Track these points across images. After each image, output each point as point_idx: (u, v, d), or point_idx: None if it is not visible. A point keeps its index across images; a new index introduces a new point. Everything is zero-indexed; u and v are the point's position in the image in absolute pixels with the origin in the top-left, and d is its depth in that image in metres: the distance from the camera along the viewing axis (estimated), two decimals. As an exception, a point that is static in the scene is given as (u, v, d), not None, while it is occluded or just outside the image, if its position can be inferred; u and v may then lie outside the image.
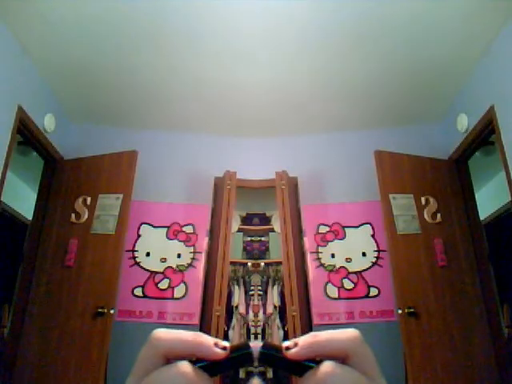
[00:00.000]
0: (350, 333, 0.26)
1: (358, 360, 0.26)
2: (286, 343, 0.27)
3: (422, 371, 2.44)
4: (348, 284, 3.04)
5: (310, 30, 2.44)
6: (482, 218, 3.13)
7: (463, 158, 3.08)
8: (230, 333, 3.23)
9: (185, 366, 0.25)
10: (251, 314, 3.33)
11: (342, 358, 0.26)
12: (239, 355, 0.27)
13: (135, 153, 3.01)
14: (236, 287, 3.43)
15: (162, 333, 0.27)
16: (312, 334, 0.27)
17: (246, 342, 0.28)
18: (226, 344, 0.27)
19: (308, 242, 3.19)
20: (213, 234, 3.19)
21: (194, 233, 3.22)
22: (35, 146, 2.92)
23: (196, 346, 0.26)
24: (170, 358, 0.26)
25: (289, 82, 2.93)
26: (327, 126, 3.47)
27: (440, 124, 3.37)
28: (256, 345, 0.27)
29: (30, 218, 3.07)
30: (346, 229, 3.22)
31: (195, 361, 0.26)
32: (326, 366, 0.25)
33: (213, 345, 0.26)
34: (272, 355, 0.27)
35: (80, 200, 2.95)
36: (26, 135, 2.74)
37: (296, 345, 0.26)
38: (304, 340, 0.26)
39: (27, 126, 2.65)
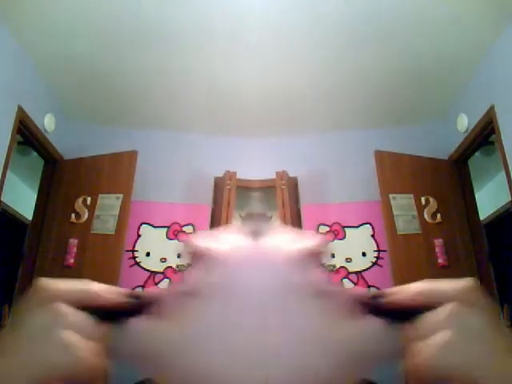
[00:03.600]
0: (467, 280, 0.25)
1: (475, 304, 0.24)
2: (393, 289, 0.27)
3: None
4: (348, 284, 3.04)
5: (310, 31, 2.44)
6: (482, 218, 3.13)
7: (463, 158, 3.08)
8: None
9: (60, 305, 0.24)
10: (251, 314, 3.33)
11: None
12: (130, 303, 0.26)
13: (135, 153, 3.01)
14: (236, 287, 3.43)
15: (45, 279, 0.25)
16: (424, 281, 0.27)
17: (137, 292, 0.27)
18: (119, 290, 0.27)
19: (308, 242, 3.19)
20: (213, 234, 3.19)
21: (194, 233, 3.22)
22: (35, 146, 2.92)
23: (82, 291, 0.25)
24: None
25: (289, 83, 2.92)
26: (327, 126, 3.47)
27: (440, 124, 3.37)
28: None
29: (30, 218, 3.07)
30: (346, 229, 3.22)
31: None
32: (449, 306, 0.24)
33: (101, 290, 0.26)
34: (377, 302, 0.27)
35: (80, 200, 2.95)
36: (26, 135, 2.74)
37: (404, 290, 0.27)
38: (415, 286, 0.27)
39: (27, 126, 2.65)
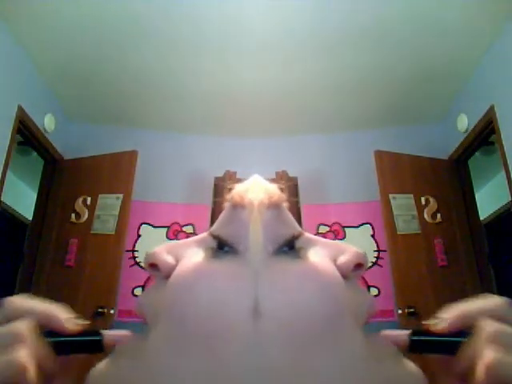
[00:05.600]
0: (497, 298, 0.25)
1: None
2: (432, 321, 0.26)
3: (422, 371, 2.44)
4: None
5: (310, 31, 2.44)
6: (482, 218, 3.13)
7: (463, 158, 3.08)
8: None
9: (23, 323, 0.24)
10: (251, 313, 3.32)
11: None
12: (89, 340, 0.27)
13: (135, 153, 3.01)
14: (236, 287, 3.42)
15: (14, 297, 0.26)
16: (455, 305, 0.26)
17: (98, 329, 0.27)
18: (83, 323, 0.26)
19: (308, 242, 3.18)
20: (213, 233, 3.18)
21: (194, 233, 3.22)
22: (35, 146, 2.92)
23: (46, 314, 0.26)
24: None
25: (289, 83, 2.92)
26: (327, 126, 3.47)
27: (440, 124, 3.37)
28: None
29: (30, 218, 3.07)
30: (345, 229, 3.21)
31: (46, 332, 0.25)
32: (489, 323, 0.24)
33: (64, 318, 0.26)
34: (422, 340, 0.26)
35: (80, 200, 2.95)
36: (26, 135, 2.74)
37: (442, 320, 0.26)
38: (450, 312, 0.26)
39: (27, 125, 2.65)
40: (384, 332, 0.27)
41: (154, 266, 0.30)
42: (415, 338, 0.27)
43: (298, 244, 0.30)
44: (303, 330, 0.24)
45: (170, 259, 0.30)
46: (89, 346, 0.27)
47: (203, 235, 0.32)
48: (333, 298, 0.26)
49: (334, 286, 0.26)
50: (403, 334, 0.27)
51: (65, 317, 0.26)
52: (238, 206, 0.30)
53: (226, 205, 0.31)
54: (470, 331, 0.25)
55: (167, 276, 0.28)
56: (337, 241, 0.32)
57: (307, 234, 0.32)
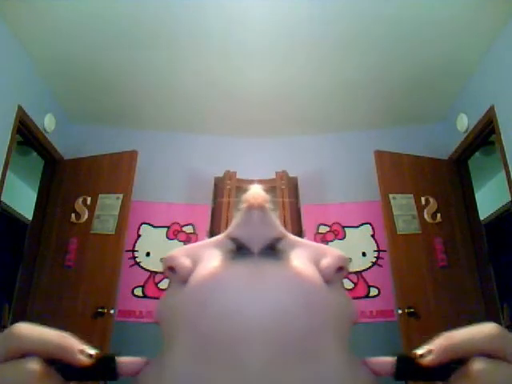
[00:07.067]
0: (490, 328, 0.24)
1: (507, 354, 0.23)
2: (420, 351, 0.25)
3: None
4: (348, 284, 3.04)
5: (310, 31, 2.44)
6: (482, 218, 3.13)
7: (463, 158, 3.08)
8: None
9: (33, 363, 0.23)
10: (251, 314, 3.31)
11: (487, 356, 0.24)
12: (103, 368, 0.26)
13: (135, 153, 3.01)
14: (236, 287, 3.42)
15: (23, 326, 0.24)
16: (445, 335, 0.25)
17: (112, 355, 0.26)
18: (93, 352, 0.25)
19: (308, 242, 3.18)
20: (213, 234, 3.18)
21: (194, 233, 3.22)
22: (35, 146, 2.92)
23: (58, 347, 0.24)
24: (25, 355, 0.24)
25: (289, 82, 2.92)
26: (327, 126, 3.47)
27: (440, 124, 3.37)
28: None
29: (30, 218, 3.07)
30: (345, 229, 3.22)
31: (53, 360, 0.24)
32: (479, 363, 0.23)
33: (77, 350, 0.25)
34: (409, 367, 0.26)
35: (80, 200, 2.95)
36: (26, 135, 2.74)
37: (430, 351, 0.25)
38: (439, 344, 0.25)
39: (27, 125, 2.65)
40: (369, 359, 0.27)
41: (172, 269, 0.30)
42: (400, 365, 0.26)
43: (280, 246, 0.30)
44: (283, 336, 0.24)
45: (187, 262, 0.30)
46: (102, 373, 0.26)
47: (220, 237, 0.32)
48: (312, 303, 0.26)
49: (315, 290, 0.26)
50: (388, 361, 0.26)
51: (78, 349, 0.25)
52: (252, 208, 0.30)
53: (242, 207, 0.31)
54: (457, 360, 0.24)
55: (185, 280, 0.28)
56: (319, 244, 0.32)
57: (290, 236, 0.32)
